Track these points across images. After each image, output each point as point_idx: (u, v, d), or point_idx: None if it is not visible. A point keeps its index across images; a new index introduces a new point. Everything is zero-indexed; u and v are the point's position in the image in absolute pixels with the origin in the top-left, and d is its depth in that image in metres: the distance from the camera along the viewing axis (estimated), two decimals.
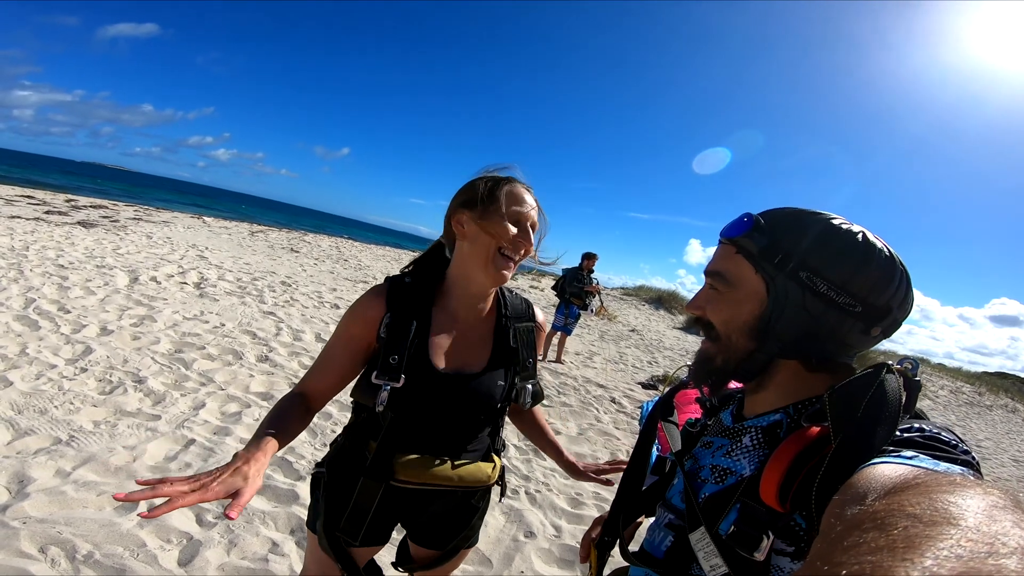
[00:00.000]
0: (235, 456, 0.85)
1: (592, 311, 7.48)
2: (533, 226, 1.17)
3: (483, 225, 1.12)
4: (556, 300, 7.41)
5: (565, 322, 7.15)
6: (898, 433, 0.57)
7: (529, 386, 1.25)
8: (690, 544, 0.69)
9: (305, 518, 1.25)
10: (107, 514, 2.13)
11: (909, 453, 0.52)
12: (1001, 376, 17.89)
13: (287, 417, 1.05)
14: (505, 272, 1.14)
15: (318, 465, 1.21)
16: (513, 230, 1.13)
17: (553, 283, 7.64)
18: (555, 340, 7.30)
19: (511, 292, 1.31)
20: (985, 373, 17.50)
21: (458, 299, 1.19)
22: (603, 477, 1.35)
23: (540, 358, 7.03)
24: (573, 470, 1.37)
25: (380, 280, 1.23)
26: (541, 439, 1.43)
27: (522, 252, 1.15)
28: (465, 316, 1.20)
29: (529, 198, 1.17)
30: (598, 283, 7.36)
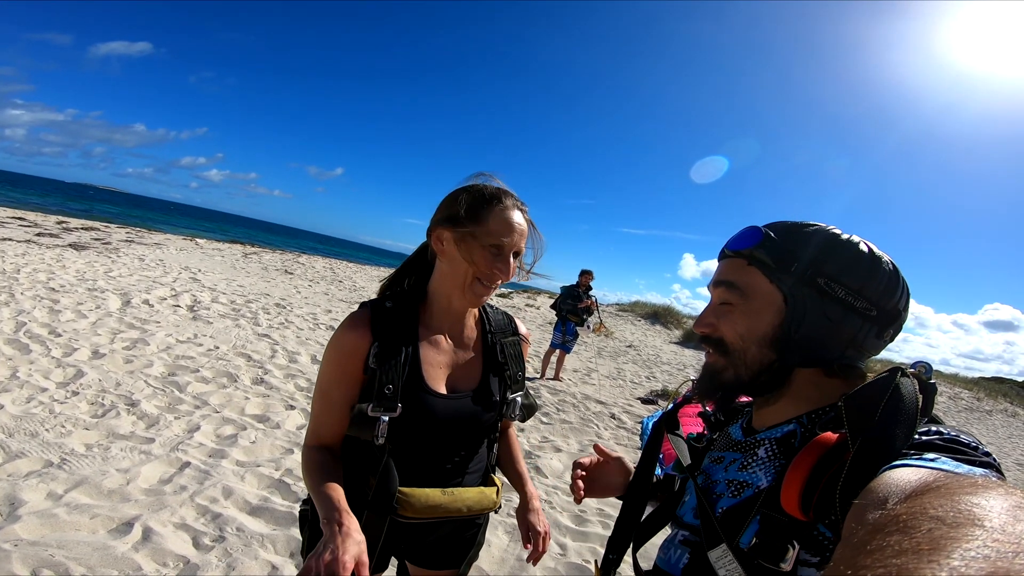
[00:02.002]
0: (325, 523, 0.89)
1: (589, 328, 7.48)
2: (517, 253, 1.11)
3: (462, 249, 1.06)
4: (554, 318, 7.40)
5: (563, 340, 7.11)
6: (918, 436, 0.57)
7: (518, 399, 1.22)
8: (709, 561, 0.68)
9: None
10: (101, 537, 2.07)
11: (931, 456, 0.52)
12: (998, 381, 17.94)
13: (328, 469, 1.04)
14: (482, 297, 1.11)
15: (304, 502, 1.17)
16: (492, 260, 1.07)
17: (551, 302, 7.65)
18: (553, 358, 7.27)
19: (492, 307, 1.28)
20: (982, 378, 17.52)
21: (440, 316, 1.15)
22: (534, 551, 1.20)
23: (539, 376, 6.98)
24: (526, 505, 1.25)
25: None
26: (511, 468, 1.32)
27: (499, 281, 1.10)
28: (451, 334, 1.17)
29: (517, 220, 1.09)
30: (595, 299, 7.37)
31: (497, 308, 1.29)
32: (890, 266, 0.70)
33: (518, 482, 1.29)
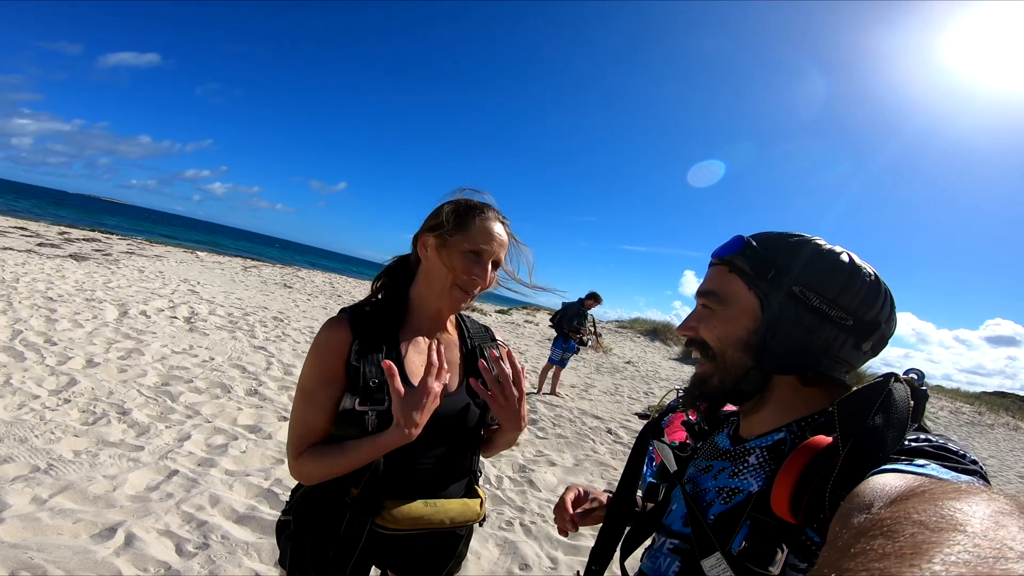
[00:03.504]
0: (382, 441, 1.00)
1: (589, 345, 7.49)
2: (496, 262, 1.15)
3: (443, 255, 1.11)
4: (551, 334, 7.38)
5: (562, 356, 7.08)
6: (908, 442, 0.57)
7: None
8: (703, 570, 0.67)
9: None
10: (82, 541, 2.05)
11: (921, 461, 0.52)
12: (1000, 395, 17.74)
13: (333, 444, 1.06)
14: (460, 302, 1.14)
15: (284, 512, 1.17)
16: (470, 266, 1.11)
17: (551, 316, 7.61)
18: (550, 373, 7.24)
19: (469, 318, 1.31)
20: (984, 393, 17.31)
21: (420, 319, 1.18)
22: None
23: (536, 391, 6.93)
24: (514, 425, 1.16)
25: None
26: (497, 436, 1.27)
27: (477, 288, 1.13)
28: (431, 336, 1.19)
29: (498, 231, 1.14)
30: (594, 320, 7.38)
31: (474, 320, 1.33)
32: (871, 277, 0.70)
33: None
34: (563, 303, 7.34)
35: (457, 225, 1.11)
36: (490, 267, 1.14)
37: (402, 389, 0.97)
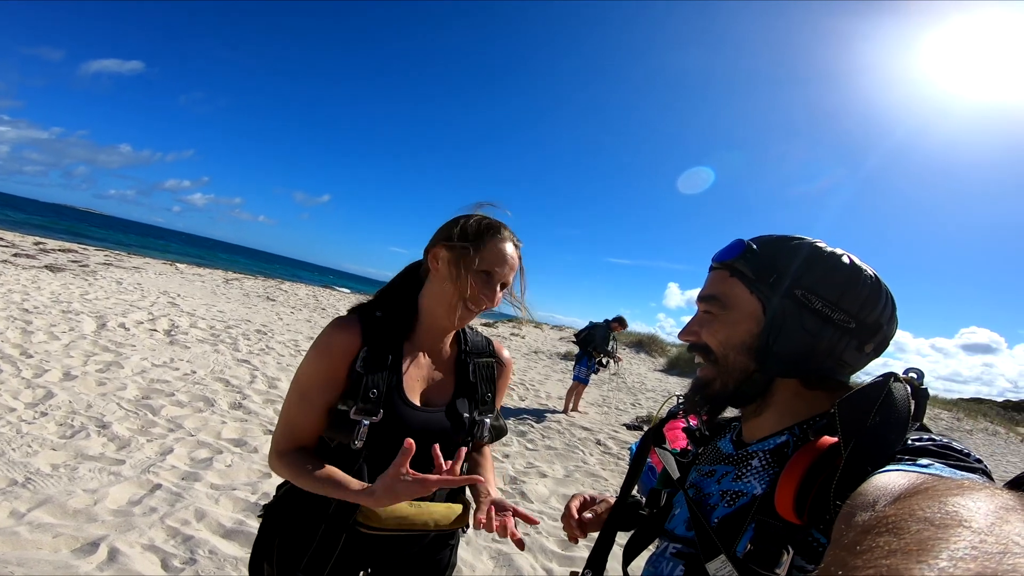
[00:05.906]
0: (374, 490, 0.95)
1: (609, 369, 7.63)
2: (504, 284, 1.14)
3: (453, 272, 1.10)
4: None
5: (587, 374, 7.16)
6: (911, 442, 0.57)
7: (487, 420, 1.20)
8: (707, 573, 0.66)
9: None
10: (63, 556, 1.97)
11: (925, 461, 0.52)
12: (977, 401, 17.99)
13: (316, 461, 1.04)
14: (467, 320, 1.14)
15: (267, 508, 1.16)
16: (481, 286, 1.10)
17: (575, 333, 7.59)
18: (578, 392, 7.24)
19: (471, 329, 1.29)
20: (961, 399, 17.55)
21: (424, 333, 1.17)
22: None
23: (563, 411, 6.90)
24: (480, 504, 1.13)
25: None
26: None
27: (483, 307, 1.12)
28: (431, 349, 1.18)
29: (511, 253, 1.13)
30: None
31: (477, 331, 1.30)
32: (872, 279, 0.70)
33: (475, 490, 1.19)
34: (591, 322, 7.45)
35: (473, 242, 1.09)
36: (498, 288, 1.13)
37: (406, 470, 0.93)
